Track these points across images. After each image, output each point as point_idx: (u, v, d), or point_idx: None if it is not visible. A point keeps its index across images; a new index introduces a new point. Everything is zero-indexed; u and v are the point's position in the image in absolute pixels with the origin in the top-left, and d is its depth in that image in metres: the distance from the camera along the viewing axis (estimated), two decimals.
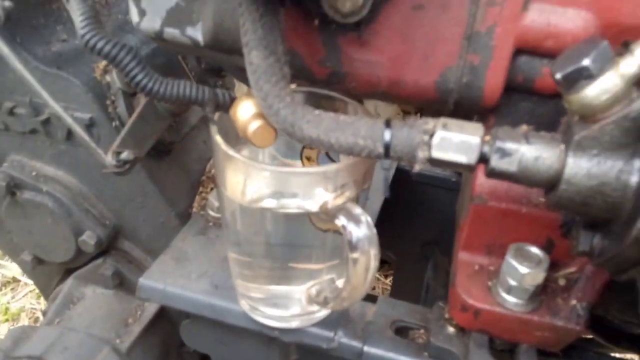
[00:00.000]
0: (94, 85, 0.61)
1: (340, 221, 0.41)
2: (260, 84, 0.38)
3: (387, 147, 0.36)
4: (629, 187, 0.32)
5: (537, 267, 0.44)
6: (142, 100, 0.60)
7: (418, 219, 0.86)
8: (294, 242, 0.48)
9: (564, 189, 0.33)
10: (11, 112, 0.64)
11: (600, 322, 0.53)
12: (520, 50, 0.39)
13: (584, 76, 0.30)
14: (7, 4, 0.50)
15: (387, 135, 0.36)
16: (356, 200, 0.45)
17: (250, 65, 0.38)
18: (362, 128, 0.36)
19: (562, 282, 0.48)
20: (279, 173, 0.43)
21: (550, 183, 0.34)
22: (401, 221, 0.87)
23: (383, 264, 1.55)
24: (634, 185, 0.32)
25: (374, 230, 0.41)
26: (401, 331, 0.55)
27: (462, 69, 0.40)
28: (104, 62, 0.62)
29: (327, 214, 0.42)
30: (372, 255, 0.41)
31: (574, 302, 0.46)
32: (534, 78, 0.41)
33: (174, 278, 0.58)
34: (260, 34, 0.37)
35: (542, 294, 0.47)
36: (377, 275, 1.53)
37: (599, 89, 0.30)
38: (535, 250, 0.45)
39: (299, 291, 0.50)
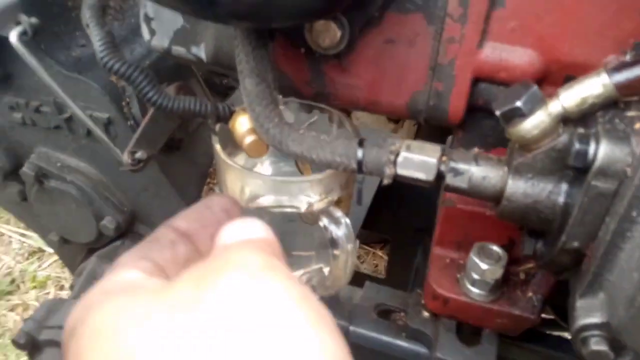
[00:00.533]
0: (111, 88, 0.67)
1: (323, 222, 0.48)
2: (252, 107, 0.44)
3: (359, 164, 0.42)
4: (557, 206, 0.38)
5: (496, 264, 0.50)
6: None
7: (411, 206, 0.92)
8: (286, 233, 0.55)
9: (505, 205, 0.39)
10: (37, 110, 0.71)
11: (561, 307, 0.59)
12: (479, 79, 0.45)
13: (518, 114, 0.36)
14: (34, 20, 0.56)
15: (359, 154, 0.42)
16: (340, 201, 0.51)
17: (244, 90, 0.44)
18: (339, 147, 0.43)
19: (522, 276, 0.54)
20: (270, 180, 0.50)
21: (496, 199, 0.40)
22: (396, 207, 0.93)
23: (387, 242, 1.62)
24: (561, 205, 0.38)
25: (352, 230, 0.47)
26: (384, 313, 0.62)
27: (428, 94, 0.46)
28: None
29: (312, 215, 0.49)
30: (349, 252, 0.48)
31: (530, 294, 0.53)
32: (493, 101, 0.46)
33: None
34: (252, 64, 0.43)
35: (504, 286, 0.54)
36: (380, 254, 1.61)
37: (530, 126, 0.36)
38: (496, 248, 0.52)
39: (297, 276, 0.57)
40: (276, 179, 0.51)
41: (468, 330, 0.56)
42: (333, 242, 0.47)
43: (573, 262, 0.39)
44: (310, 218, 0.50)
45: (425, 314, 0.58)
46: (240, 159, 0.53)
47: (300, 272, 0.56)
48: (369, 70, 0.46)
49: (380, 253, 1.62)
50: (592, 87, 0.34)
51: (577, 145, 0.34)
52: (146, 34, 0.53)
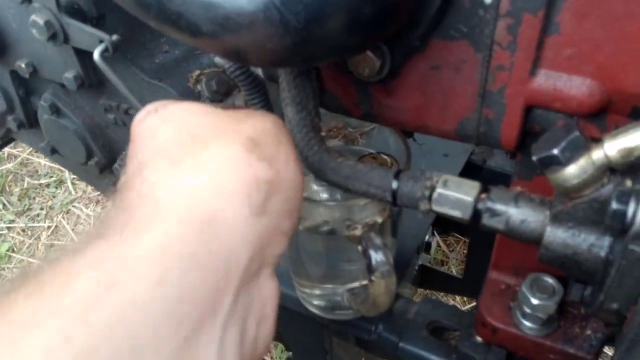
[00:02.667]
0: (188, 93, 0.71)
1: (362, 247, 0.48)
2: (293, 134, 0.45)
3: (394, 196, 0.42)
4: (599, 260, 0.35)
5: (549, 299, 0.47)
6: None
7: None
8: (333, 247, 0.56)
9: (543, 252, 0.37)
10: (126, 112, 0.77)
11: None
12: (533, 107, 0.41)
13: (555, 162, 0.33)
14: (115, 37, 0.61)
15: (394, 186, 0.41)
16: (384, 225, 0.51)
17: (286, 118, 0.45)
18: (375, 178, 0.42)
19: (582, 310, 0.50)
20: (311, 203, 0.50)
21: (536, 243, 0.38)
22: None
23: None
24: (603, 259, 0.34)
25: (390, 258, 0.47)
26: (437, 331, 0.61)
27: (478, 121, 0.43)
28: (196, 72, 0.72)
29: (353, 239, 0.49)
30: (387, 278, 0.48)
31: (589, 332, 0.49)
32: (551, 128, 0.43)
33: None
34: (294, 93, 0.44)
35: (561, 319, 0.50)
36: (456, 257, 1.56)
37: (570, 174, 0.33)
38: (551, 281, 0.48)
39: (341, 290, 0.58)
40: (317, 202, 0.52)
41: None
42: (370, 268, 0.47)
43: (617, 321, 0.36)
44: (353, 239, 0.50)
45: (478, 337, 0.57)
46: None
47: (346, 286, 0.57)
48: (415, 95, 0.45)
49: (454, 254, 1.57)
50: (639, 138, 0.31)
51: (614, 205, 0.31)
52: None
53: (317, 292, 0.60)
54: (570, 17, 0.36)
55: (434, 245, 0.98)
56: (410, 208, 0.42)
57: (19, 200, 1.90)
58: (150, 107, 0.34)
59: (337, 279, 0.58)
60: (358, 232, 0.48)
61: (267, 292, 0.32)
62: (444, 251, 1.60)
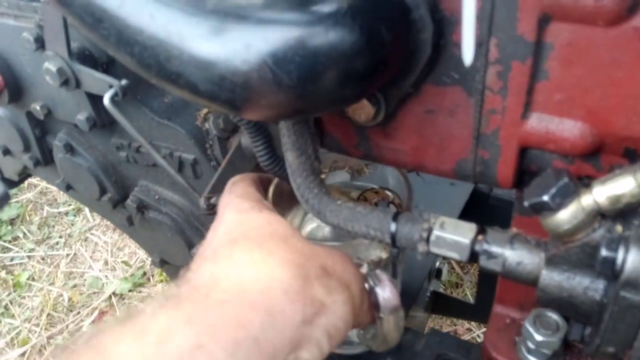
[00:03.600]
0: (197, 132, 0.73)
1: (369, 285, 0.48)
2: (294, 178, 0.46)
3: (393, 238, 0.42)
4: (595, 302, 0.35)
5: (553, 335, 0.47)
6: (232, 145, 0.71)
7: (504, 226, 0.88)
8: None
9: (540, 295, 0.37)
10: (137, 150, 0.79)
11: None
12: (528, 148, 0.42)
13: (546, 208, 0.34)
14: (124, 82, 0.63)
15: (392, 228, 0.42)
16: (390, 259, 0.52)
17: (287, 162, 0.46)
18: (373, 220, 0.43)
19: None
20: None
21: (533, 284, 0.38)
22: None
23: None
24: (598, 302, 0.35)
25: (397, 295, 0.48)
26: None
27: (474, 161, 0.44)
28: (204, 111, 0.74)
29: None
30: (395, 314, 0.48)
31: None
32: (547, 167, 0.43)
33: None
34: (293, 139, 0.45)
35: (567, 354, 0.50)
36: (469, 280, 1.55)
37: (561, 220, 0.34)
38: (555, 317, 0.48)
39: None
40: (321, 244, 0.52)
41: None
42: (377, 306, 0.47)
43: None
44: None
45: None
46: (296, 214, 0.56)
47: None
48: (412, 138, 0.46)
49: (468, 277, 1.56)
50: (627, 185, 0.31)
51: (603, 252, 0.31)
52: None
53: None
54: (557, 64, 0.37)
55: (445, 271, 0.98)
56: (409, 249, 0.43)
57: (38, 229, 1.94)
58: (248, 205, 0.44)
59: None
60: (364, 269, 0.49)
61: None
62: (458, 274, 1.60)
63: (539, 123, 0.40)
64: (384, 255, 0.52)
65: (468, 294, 1.51)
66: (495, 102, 0.40)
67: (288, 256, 0.37)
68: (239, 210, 0.42)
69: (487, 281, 1.01)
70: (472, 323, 1.41)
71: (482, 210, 0.84)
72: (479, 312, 1.00)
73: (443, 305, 1.03)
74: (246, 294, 0.34)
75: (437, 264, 0.97)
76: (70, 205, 2.00)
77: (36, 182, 2.09)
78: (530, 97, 0.39)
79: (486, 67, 0.39)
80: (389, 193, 0.58)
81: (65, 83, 0.66)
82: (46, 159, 0.88)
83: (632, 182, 0.31)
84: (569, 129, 0.39)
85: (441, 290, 1.08)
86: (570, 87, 0.38)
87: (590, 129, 0.39)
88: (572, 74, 0.37)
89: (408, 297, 0.69)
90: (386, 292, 0.48)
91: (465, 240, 0.40)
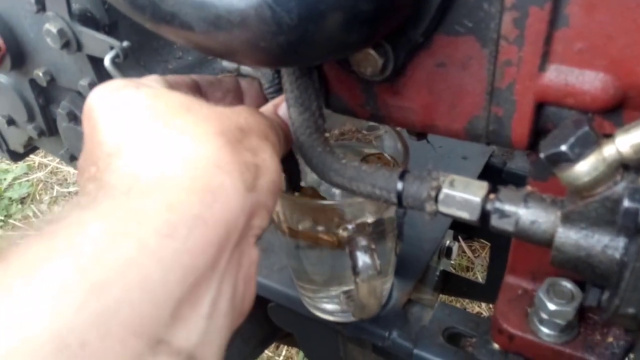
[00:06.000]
0: None
1: (349, 249, 0.47)
2: (297, 136, 0.44)
3: (399, 198, 0.40)
4: (614, 262, 0.33)
5: (567, 304, 0.45)
6: None
7: None
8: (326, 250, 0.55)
9: (555, 255, 0.35)
10: None
11: None
12: (545, 103, 0.40)
13: (564, 159, 0.32)
14: (125, 44, 0.61)
15: (399, 187, 0.40)
16: (375, 225, 0.50)
17: (290, 119, 0.44)
18: (379, 179, 0.41)
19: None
20: (302, 204, 0.50)
21: (547, 245, 0.36)
22: None
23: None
24: (618, 261, 0.32)
25: (377, 261, 0.46)
26: (453, 338, 0.59)
27: (487, 119, 0.42)
28: None
29: (342, 240, 0.48)
30: (373, 281, 0.46)
31: (611, 339, 0.47)
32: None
33: (260, 268, 0.68)
34: (296, 94, 0.43)
35: (582, 326, 0.48)
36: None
37: (580, 172, 0.31)
38: (570, 286, 0.46)
39: (338, 292, 0.57)
40: (306, 203, 0.51)
41: None
42: (355, 271, 0.46)
43: (635, 326, 0.33)
44: (342, 240, 0.49)
45: (495, 345, 0.54)
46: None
47: (342, 288, 0.56)
48: (422, 94, 0.43)
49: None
50: None
51: (626, 203, 0.29)
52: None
53: (320, 295, 0.59)
54: (579, 9, 0.34)
55: (455, 250, 0.95)
56: (416, 209, 0.40)
57: (48, 208, 1.94)
58: (121, 83, 0.35)
59: (335, 281, 0.57)
60: (346, 232, 0.47)
61: (253, 256, 0.35)
62: (469, 257, 1.57)
63: (557, 75, 0.38)
64: (370, 219, 0.50)
65: (479, 277, 1.49)
66: (510, 52, 0.38)
67: (202, 128, 0.32)
68: (111, 95, 0.34)
69: (499, 261, 0.98)
70: (482, 306, 1.39)
71: (495, 185, 0.82)
72: (489, 292, 0.98)
73: (453, 285, 1.01)
74: (175, 180, 0.29)
75: (447, 242, 0.95)
76: None
77: (47, 161, 2.09)
78: (549, 47, 0.37)
79: (501, 14, 0.37)
80: (390, 159, 0.56)
81: (66, 45, 0.64)
82: (50, 129, 0.87)
83: None
84: (589, 81, 0.37)
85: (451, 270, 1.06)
86: (592, 34, 0.35)
87: (613, 81, 0.36)
88: (595, 19, 0.35)
89: (414, 276, 0.67)
90: (365, 257, 0.46)
91: (476, 198, 0.38)
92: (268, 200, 0.35)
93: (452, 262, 1.33)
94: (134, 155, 0.31)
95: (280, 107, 0.45)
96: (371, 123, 0.63)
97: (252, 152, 0.34)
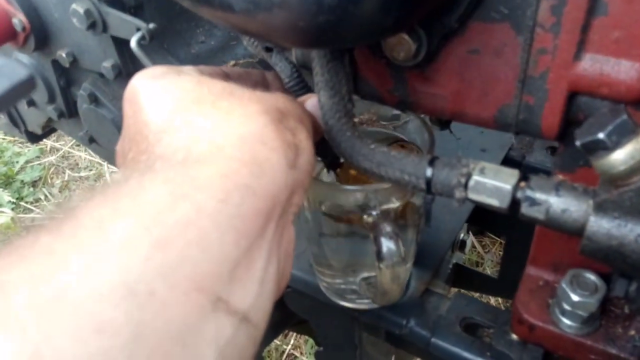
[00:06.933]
0: None
1: (373, 234, 0.47)
2: (326, 119, 0.44)
3: (428, 184, 0.40)
4: None
5: (590, 296, 0.45)
6: None
7: None
8: (354, 237, 0.55)
9: (585, 244, 0.35)
10: None
11: None
12: (578, 93, 0.40)
13: (601, 147, 0.32)
14: (152, 26, 0.62)
15: (428, 173, 0.40)
16: (407, 213, 0.50)
17: (319, 103, 0.44)
18: (408, 165, 0.41)
19: (626, 309, 0.48)
20: (327, 187, 0.51)
21: (578, 234, 0.36)
22: None
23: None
24: None
25: (402, 248, 0.46)
26: (471, 328, 0.59)
27: (518, 107, 0.42)
28: (231, 63, 0.72)
29: (367, 226, 0.48)
30: (397, 268, 0.46)
31: (632, 332, 0.47)
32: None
33: None
34: (327, 77, 0.43)
35: (603, 319, 0.48)
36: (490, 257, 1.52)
37: (616, 161, 0.31)
38: (593, 278, 0.46)
39: (358, 279, 0.57)
40: (332, 187, 0.51)
41: None
42: (379, 256, 0.46)
43: None
44: (367, 226, 0.49)
45: (514, 335, 0.55)
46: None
47: (363, 275, 0.56)
48: (453, 81, 0.43)
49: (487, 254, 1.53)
50: None
51: None
52: (245, 41, 0.56)
53: (338, 281, 0.60)
54: None
55: (469, 243, 0.95)
56: (445, 196, 0.40)
57: (59, 192, 1.95)
58: (164, 69, 0.37)
59: (355, 268, 0.57)
60: (371, 218, 0.47)
61: (291, 233, 0.37)
62: (479, 252, 1.57)
63: (592, 65, 0.37)
64: (395, 205, 0.50)
65: (489, 273, 1.49)
66: (546, 40, 0.38)
67: (246, 109, 0.34)
68: (155, 80, 0.36)
69: (512, 256, 0.98)
70: (491, 300, 1.39)
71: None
72: (502, 287, 0.98)
73: (465, 278, 1.01)
74: (224, 152, 0.31)
75: (462, 235, 0.95)
76: (91, 170, 2.02)
77: (59, 145, 2.10)
78: (585, 35, 0.37)
79: (539, 1, 0.36)
80: (414, 147, 0.56)
81: (92, 26, 0.64)
82: (70, 111, 0.87)
83: None
84: (625, 70, 0.36)
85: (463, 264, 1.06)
86: (631, 23, 0.35)
87: None
88: (634, 8, 0.34)
89: (430, 268, 0.67)
90: (390, 243, 0.46)
91: (507, 186, 0.38)
92: (305, 179, 0.36)
93: (463, 256, 1.32)
94: (184, 132, 0.32)
95: (307, 102, 0.46)
96: (393, 112, 0.63)
97: (292, 132, 0.35)
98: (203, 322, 0.26)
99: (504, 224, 0.89)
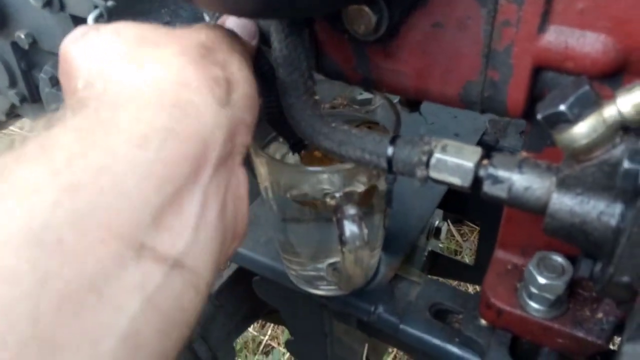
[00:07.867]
0: None
1: (336, 217, 0.45)
2: (285, 97, 0.42)
3: (389, 163, 0.39)
4: (609, 229, 0.32)
5: (557, 278, 0.44)
6: None
7: None
8: (313, 223, 0.53)
9: (548, 222, 0.34)
10: None
11: None
12: (543, 68, 0.38)
13: (562, 120, 0.30)
14: (110, 3, 0.59)
15: (389, 152, 0.39)
16: (367, 195, 0.48)
17: (278, 80, 0.42)
18: (369, 143, 0.40)
19: (594, 292, 0.47)
20: (292, 170, 0.49)
21: (541, 212, 0.35)
22: None
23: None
24: (614, 228, 0.31)
25: (365, 230, 0.44)
26: (440, 314, 0.58)
27: (483, 84, 0.40)
28: None
29: (329, 208, 0.46)
30: (361, 252, 0.45)
31: (600, 315, 0.46)
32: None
33: (246, 241, 0.66)
34: (285, 53, 0.41)
35: (571, 302, 0.47)
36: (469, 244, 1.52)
37: (578, 134, 0.30)
38: (560, 260, 0.45)
39: (324, 265, 0.56)
40: (294, 168, 0.49)
41: (526, 346, 0.51)
42: (342, 240, 0.44)
43: (629, 297, 0.32)
44: (329, 208, 0.48)
45: (482, 321, 0.54)
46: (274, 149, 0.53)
47: (329, 260, 0.54)
48: (416, 57, 0.42)
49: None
50: None
51: (626, 164, 0.28)
52: (208, 17, 0.54)
53: (305, 268, 0.58)
54: None
55: (444, 230, 0.94)
56: (407, 175, 0.39)
57: None
58: (85, 28, 0.36)
59: (322, 254, 0.56)
60: (334, 201, 0.46)
61: (240, 176, 0.35)
62: (457, 241, 1.57)
63: (557, 37, 0.36)
64: (359, 189, 0.48)
65: (467, 261, 1.48)
66: (509, 11, 0.36)
67: (161, 51, 0.32)
68: (81, 37, 0.35)
69: (488, 243, 0.98)
70: (470, 287, 1.39)
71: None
72: (478, 274, 0.97)
73: (441, 266, 1.01)
74: (141, 97, 0.29)
75: (437, 222, 0.94)
76: None
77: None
78: (550, 6, 0.35)
79: None
80: (381, 127, 0.55)
81: (48, 4, 0.61)
82: (33, 96, 0.84)
83: None
84: (590, 42, 0.35)
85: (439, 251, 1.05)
86: None
87: (614, 43, 0.34)
88: None
89: (402, 251, 0.66)
90: (354, 227, 0.45)
91: (469, 163, 0.36)
92: (245, 115, 0.34)
93: (440, 244, 1.32)
94: (102, 83, 0.31)
95: (225, 24, 0.43)
96: (363, 97, 0.61)
97: (221, 66, 0.33)
98: (122, 269, 0.25)
99: (478, 209, 0.88)
